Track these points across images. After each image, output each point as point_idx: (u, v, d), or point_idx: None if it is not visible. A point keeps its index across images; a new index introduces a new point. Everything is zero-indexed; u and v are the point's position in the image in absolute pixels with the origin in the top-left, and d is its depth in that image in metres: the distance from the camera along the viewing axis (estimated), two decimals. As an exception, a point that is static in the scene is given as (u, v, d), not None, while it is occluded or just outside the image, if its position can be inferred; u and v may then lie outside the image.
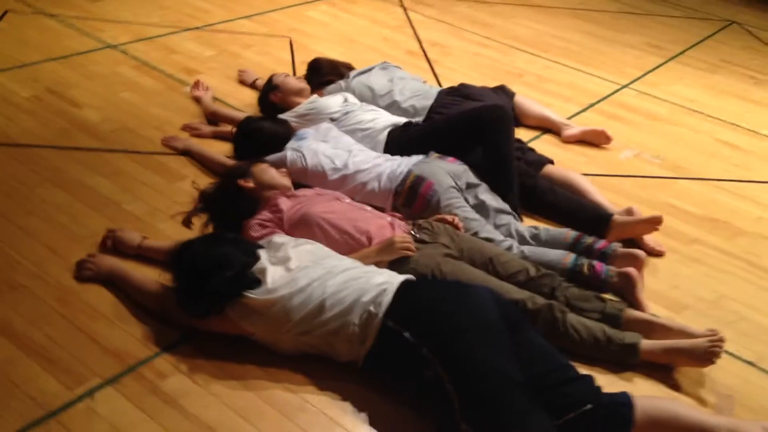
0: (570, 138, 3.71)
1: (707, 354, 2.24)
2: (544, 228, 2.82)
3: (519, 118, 3.78)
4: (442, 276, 2.37)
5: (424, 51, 4.62)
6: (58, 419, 1.93)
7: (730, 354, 2.46)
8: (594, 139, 3.70)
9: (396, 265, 2.39)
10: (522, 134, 3.66)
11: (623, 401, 2.03)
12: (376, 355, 2.12)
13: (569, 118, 3.97)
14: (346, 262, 2.30)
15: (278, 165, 2.87)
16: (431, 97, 3.50)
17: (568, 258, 2.61)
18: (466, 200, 2.83)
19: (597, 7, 5.89)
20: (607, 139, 3.68)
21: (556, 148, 3.65)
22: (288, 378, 2.16)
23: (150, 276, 2.38)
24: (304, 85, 3.53)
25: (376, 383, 2.16)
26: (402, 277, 2.21)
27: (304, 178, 2.89)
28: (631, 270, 2.56)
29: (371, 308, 2.11)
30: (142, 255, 2.52)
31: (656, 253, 2.95)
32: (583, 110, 4.11)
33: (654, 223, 2.91)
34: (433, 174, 2.80)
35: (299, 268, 2.22)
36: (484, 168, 3.00)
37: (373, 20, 5.03)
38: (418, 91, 3.55)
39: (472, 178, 2.91)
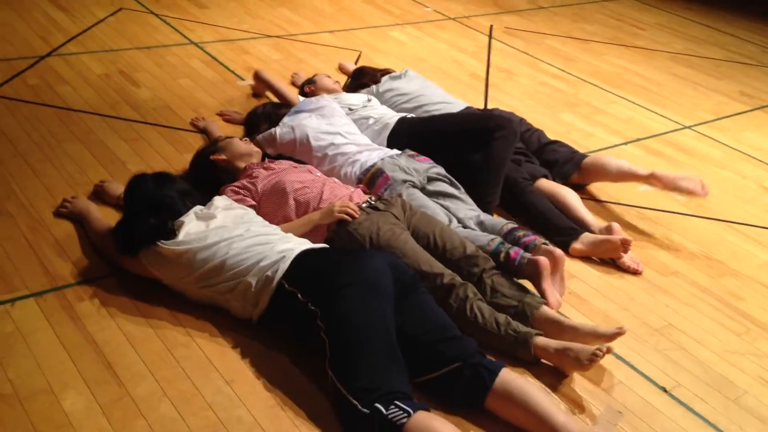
0: (663, 180, 3.18)
1: (588, 359, 2.19)
2: (489, 217, 2.85)
3: (591, 176, 3.38)
4: (377, 241, 2.48)
5: (487, 74, 4.70)
6: (-26, 316, 2.26)
7: (645, 377, 2.35)
8: (688, 188, 3.15)
9: (338, 228, 2.54)
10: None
11: (490, 368, 2.07)
12: (271, 313, 2.27)
13: (608, 148, 3.89)
14: (266, 229, 2.46)
15: (268, 140, 3.12)
16: (458, 108, 3.58)
17: (492, 243, 2.64)
18: (427, 190, 2.94)
19: (701, 53, 5.66)
20: (703, 188, 3.13)
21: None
22: (190, 323, 2.35)
23: (110, 221, 2.67)
24: (337, 87, 3.76)
25: (272, 341, 2.30)
26: (304, 246, 2.35)
27: (293, 150, 3.09)
28: (541, 259, 2.53)
29: (269, 273, 2.26)
30: (120, 205, 2.83)
31: (633, 271, 2.86)
32: (624, 143, 4.01)
33: (621, 245, 2.83)
34: (392, 170, 2.92)
35: (216, 227, 2.41)
36: (476, 170, 3.06)
37: (452, 44, 5.18)
38: (446, 98, 3.65)
39: (435, 174, 3.00)
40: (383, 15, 5.61)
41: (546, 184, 3.22)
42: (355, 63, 4.59)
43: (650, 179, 3.21)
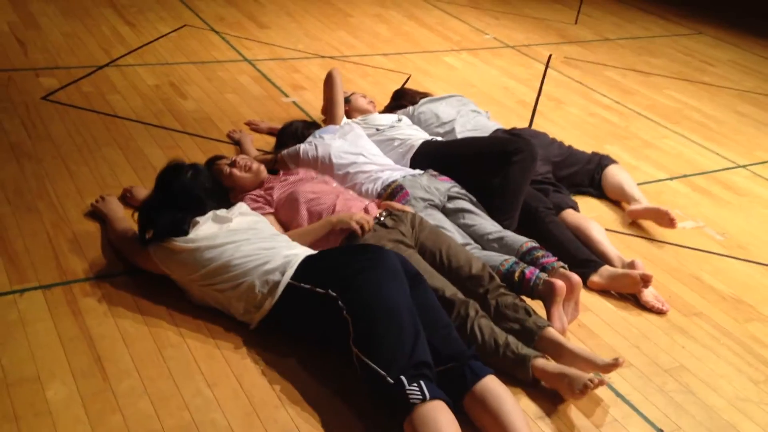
0: (633, 214, 3.35)
1: (581, 388, 2.13)
2: (510, 233, 2.80)
3: (604, 190, 3.54)
4: None
5: (536, 102, 4.64)
6: (-14, 301, 2.36)
7: (643, 417, 2.24)
8: (656, 219, 3.28)
9: (345, 242, 2.56)
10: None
11: (476, 371, 2.09)
12: (277, 314, 2.30)
13: (650, 183, 3.77)
14: (274, 236, 2.50)
15: (292, 155, 3.17)
16: (488, 132, 3.55)
17: (506, 263, 2.59)
18: (447, 209, 2.94)
19: (772, 92, 5.43)
20: (671, 222, 3.18)
21: (608, 207, 3.50)
22: (186, 325, 2.38)
23: (129, 224, 2.74)
24: (371, 107, 3.78)
25: (262, 350, 2.31)
26: (308, 252, 2.40)
27: (315, 167, 3.12)
28: (558, 282, 2.47)
29: (275, 276, 2.30)
30: (144, 209, 2.92)
31: (657, 311, 2.75)
32: (670, 179, 3.87)
33: (641, 280, 2.73)
34: (412, 187, 2.91)
35: (229, 230, 2.45)
36: (493, 194, 3.02)
37: (505, 71, 5.14)
38: (479, 125, 3.62)
39: (456, 193, 2.98)
40: (440, 41, 5.63)
41: (572, 215, 3.14)
42: (403, 86, 4.61)
43: (631, 205, 3.41)
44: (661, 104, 4.92)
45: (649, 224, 3.36)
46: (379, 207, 2.80)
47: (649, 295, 2.79)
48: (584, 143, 4.09)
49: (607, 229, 3.21)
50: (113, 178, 3.15)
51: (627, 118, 4.62)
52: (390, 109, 3.88)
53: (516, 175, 2.97)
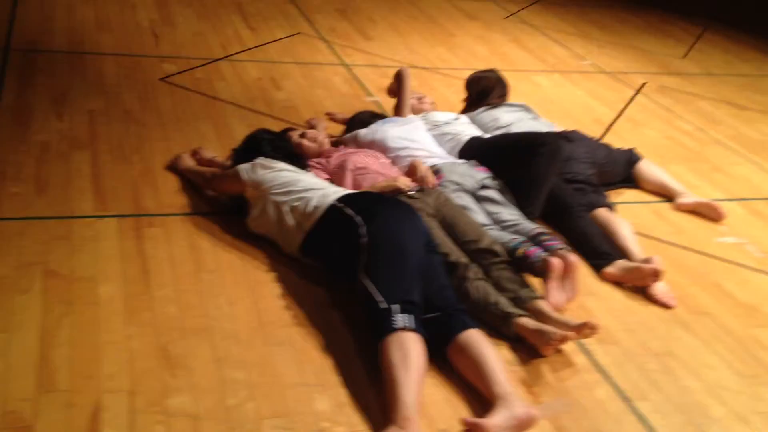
0: (682, 206, 3.71)
1: (550, 342, 2.36)
2: (525, 222, 3.02)
3: (639, 183, 3.86)
4: None
5: (613, 121, 4.77)
6: (70, 221, 2.86)
7: (613, 384, 2.39)
8: (706, 212, 3.66)
9: None
10: (639, 196, 3.78)
11: (462, 323, 2.34)
12: (317, 234, 2.67)
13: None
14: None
15: (352, 138, 3.59)
16: None
17: (513, 241, 2.83)
18: (477, 195, 3.18)
19: None
20: (719, 215, 3.62)
21: (654, 215, 3.62)
22: (225, 257, 2.79)
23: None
24: (425, 108, 4.06)
25: (286, 285, 2.67)
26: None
27: (371, 147, 3.48)
28: (553, 259, 2.68)
29: (327, 199, 2.71)
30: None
31: (662, 304, 2.88)
32: (727, 199, 3.90)
33: (650, 274, 2.86)
34: (449, 172, 3.20)
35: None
36: (521, 183, 3.25)
37: (591, 93, 5.30)
38: (532, 129, 3.84)
39: (489, 183, 3.23)
40: (536, 62, 5.85)
41: (603, 214, 3.30)
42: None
43: (677, 199, 3.73)
44: (746, 136, 4.91)
45: (687, 236, 3.45)
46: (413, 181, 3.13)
47: (658, 288, 2.91)
48: (649, 160, 4.20)
49: (644, 235, 3.35)
50: (198, 143, 3.63)
51: (704, 143, 4.66)
52: (468, 108, 4.14)
53: (540, 166, 3.19)
